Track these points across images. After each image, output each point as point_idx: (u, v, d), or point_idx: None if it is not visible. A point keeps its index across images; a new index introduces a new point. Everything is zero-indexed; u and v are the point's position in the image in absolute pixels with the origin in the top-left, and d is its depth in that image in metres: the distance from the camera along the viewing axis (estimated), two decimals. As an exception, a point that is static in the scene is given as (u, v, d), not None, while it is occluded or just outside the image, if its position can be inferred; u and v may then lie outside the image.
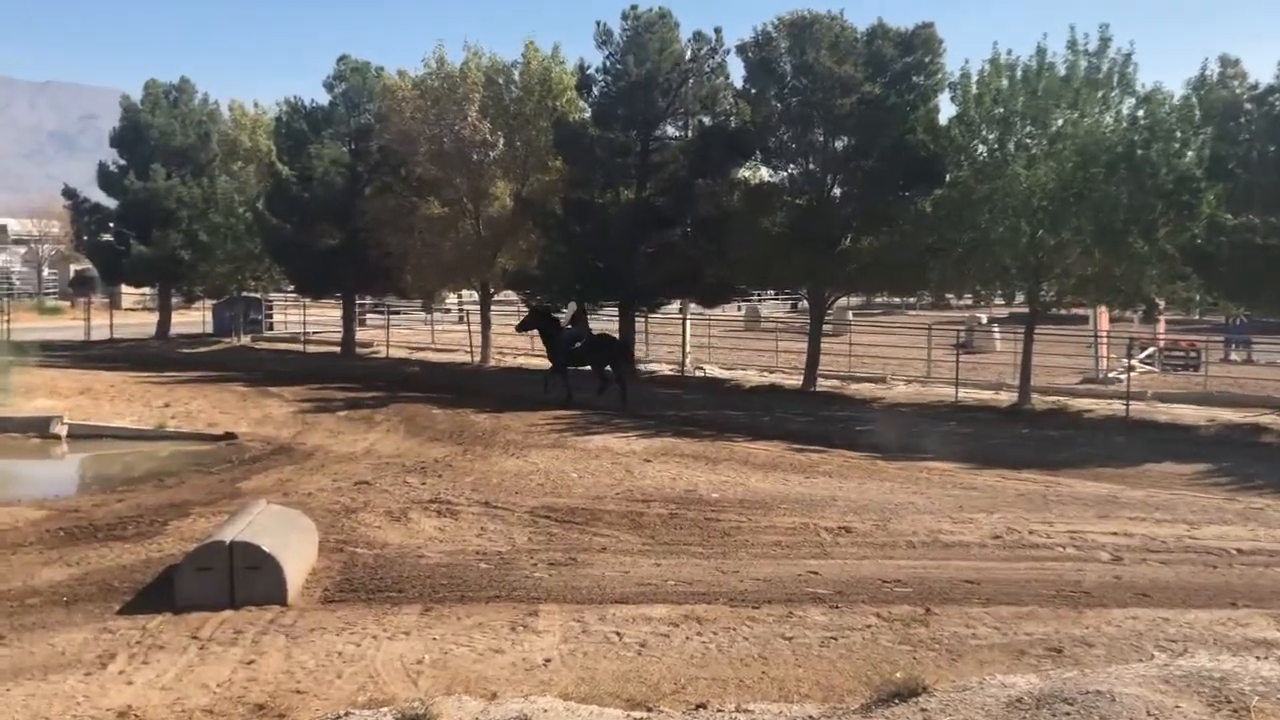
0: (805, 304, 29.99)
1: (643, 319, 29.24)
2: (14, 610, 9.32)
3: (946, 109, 23.28)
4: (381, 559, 10.74)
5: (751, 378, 27.07)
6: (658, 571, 10.43)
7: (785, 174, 25.55)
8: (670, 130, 27.20)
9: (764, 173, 26.54)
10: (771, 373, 27.82)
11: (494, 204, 28.99)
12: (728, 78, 26.30)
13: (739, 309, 43.73)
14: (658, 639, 8.47)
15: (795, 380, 25.77)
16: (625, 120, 26.29)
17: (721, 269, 25.12)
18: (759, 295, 44.82)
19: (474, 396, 23.96)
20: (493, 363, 30.22)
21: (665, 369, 28.63)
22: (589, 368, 23.27)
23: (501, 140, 28.87)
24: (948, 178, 22.44)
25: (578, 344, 23.24)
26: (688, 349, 29.46)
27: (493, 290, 31.16)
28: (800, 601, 9.51)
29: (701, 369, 28.41)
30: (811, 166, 24.62)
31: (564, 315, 24.87)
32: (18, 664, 7.91)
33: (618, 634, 8.57)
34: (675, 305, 30.91)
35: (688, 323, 30.30)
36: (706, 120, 26.68)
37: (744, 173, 26.62)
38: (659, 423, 20.45)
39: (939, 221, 21.75)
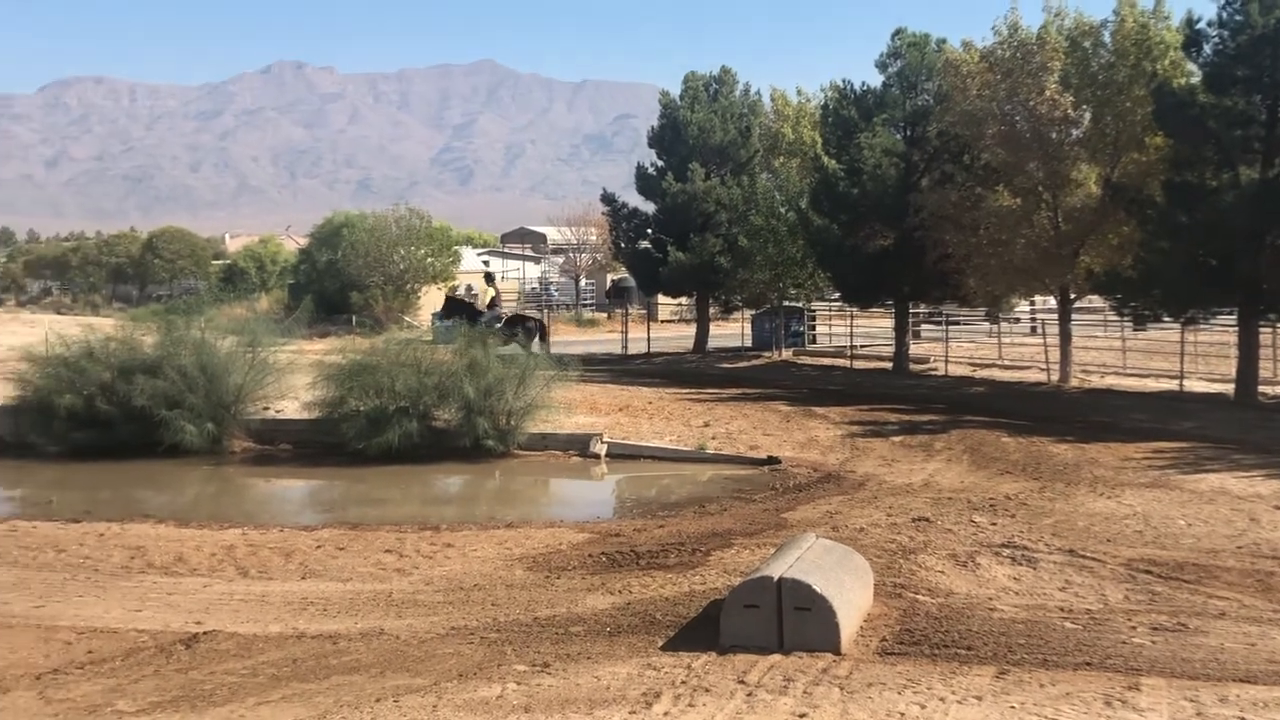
0: None
1: (1270, 330, 27.03)
2: (559, 638, 10.32)
3: None
4: (946, 609, 10.73)
5: None
6: (1296, 647, 9.58)
7: None
8: (1307, 92, 25.01)
9: None
10: None
11: (1076, 192, 28.14)
12: (1389, 18, 23.72)
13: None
14: (1299, 732, 7.78)
15: None
16: (1246, 83, 24.47)
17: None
18: None
19: (1051, 422, 23.37)
20: (1074, 382, 29.28)
21: (1299, 392, 26.35)
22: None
23: (1086, 115, 28.03)
24: None
25: (498, 324, 28.47)
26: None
27: (1074, 295, 30.20)
28: None
29: (1351, 393, 25.83)
30: None
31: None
32: (564, 695, 8.71)
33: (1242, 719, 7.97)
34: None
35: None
36: (1358, 75, 24.22)
37: None
38: (1294, 461, 18.80)
39: None
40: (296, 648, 10.14)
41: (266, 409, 23.73)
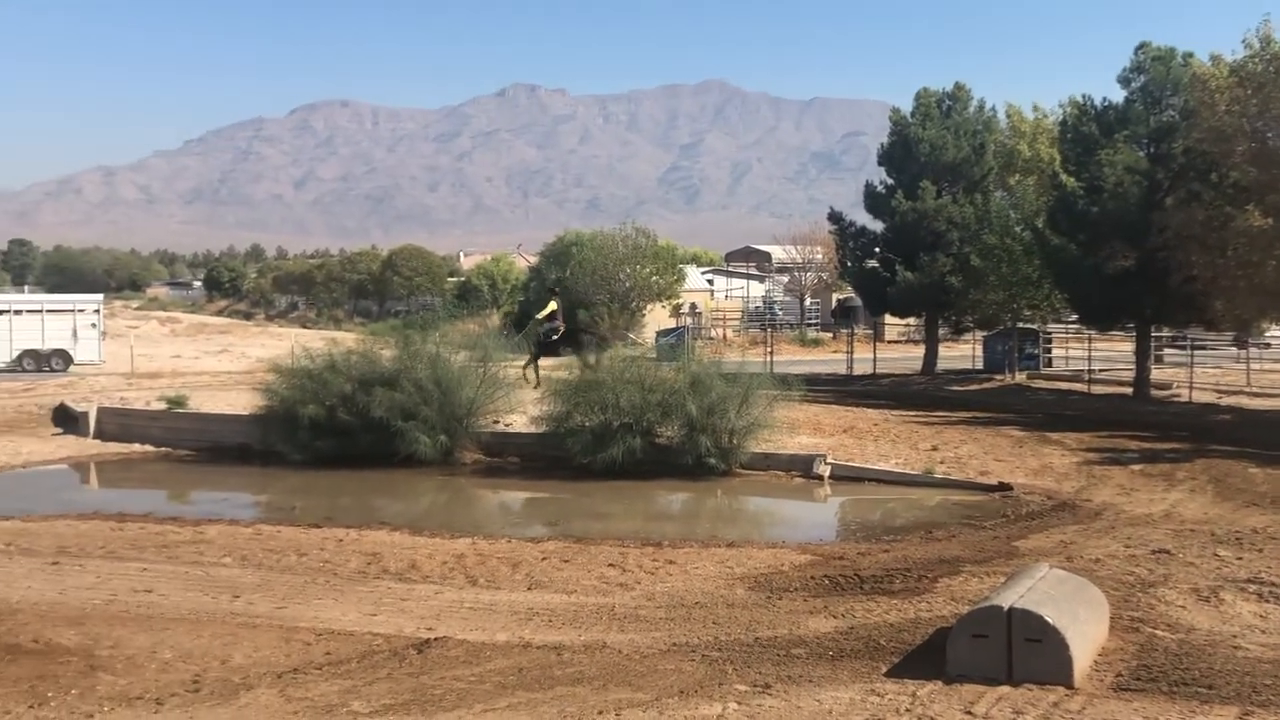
0: None
1: None
2: (780, 659, 10.27)
3: None
4: (1186, 645, 10.29)
5: None
6: None
7: None
8: None
9: None
10: None
11: (1334, 212, 26.69)
12: None
13: None
14: None
15: None
16: None
17: None
18: None
19: (1305, 454, 22.20)
20: (1330, 412, 27.75)
21: None
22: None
23: (1346, 131, 26.59)
24: None
25: (555, 336, 30.27)
26: None
27: (1331, 320, 28.67)
28: None
29: None
30: None
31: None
32: (785, 718, 8.65)
33: None
34: None
35: None
36: None
37: None
38: None
39: None
40: (522, 657, 10.36)
41: (496, 422, 24.32)
